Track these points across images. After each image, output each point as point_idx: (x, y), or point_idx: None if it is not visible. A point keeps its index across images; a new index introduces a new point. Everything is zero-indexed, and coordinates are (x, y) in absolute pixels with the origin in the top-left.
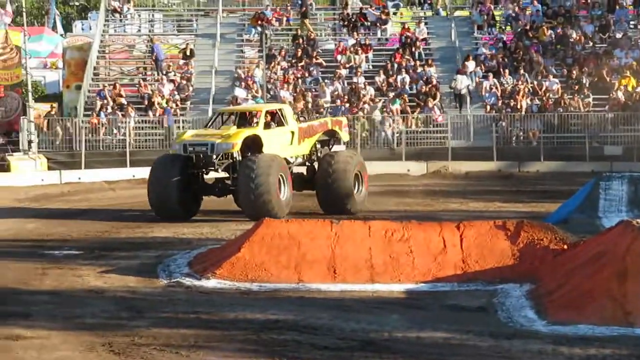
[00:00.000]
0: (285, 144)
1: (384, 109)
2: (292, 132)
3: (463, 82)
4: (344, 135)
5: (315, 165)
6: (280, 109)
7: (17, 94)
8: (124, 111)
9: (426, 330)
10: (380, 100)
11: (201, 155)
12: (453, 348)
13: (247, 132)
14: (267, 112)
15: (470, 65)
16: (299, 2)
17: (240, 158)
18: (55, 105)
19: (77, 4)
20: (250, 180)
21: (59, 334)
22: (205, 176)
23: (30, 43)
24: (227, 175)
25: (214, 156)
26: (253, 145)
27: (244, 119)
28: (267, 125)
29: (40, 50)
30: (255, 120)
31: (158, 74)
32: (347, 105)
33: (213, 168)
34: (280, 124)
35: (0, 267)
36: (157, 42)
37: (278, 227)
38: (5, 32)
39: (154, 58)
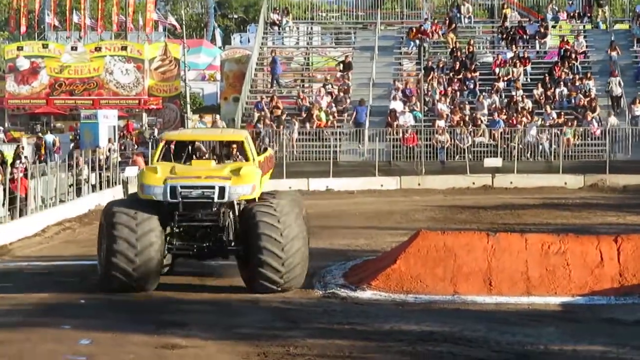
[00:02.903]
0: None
1: (543, 122)
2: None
3: (617, 85)
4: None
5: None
6: (246, 138)
7: (176, 106)
8: (287, 123)
9: (582, 343)
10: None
11: (200, 203)
12: None
13: (253, 168)
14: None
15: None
16: (452, 15)
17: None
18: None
19: (235, 16)
20: (276, 239)
21: (214, 343)
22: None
23: (189, 55)
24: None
25: (218, 204)
26: None
27: (196, 150)
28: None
29: (199, 63)
30: (223, 151)
31: (273, 86)
32: (505, 117)
33: (215, 221)
34: (245, 158)
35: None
36: (277, 56)
37: (434, 239)
38: (165, 45)
39: (270, 72)
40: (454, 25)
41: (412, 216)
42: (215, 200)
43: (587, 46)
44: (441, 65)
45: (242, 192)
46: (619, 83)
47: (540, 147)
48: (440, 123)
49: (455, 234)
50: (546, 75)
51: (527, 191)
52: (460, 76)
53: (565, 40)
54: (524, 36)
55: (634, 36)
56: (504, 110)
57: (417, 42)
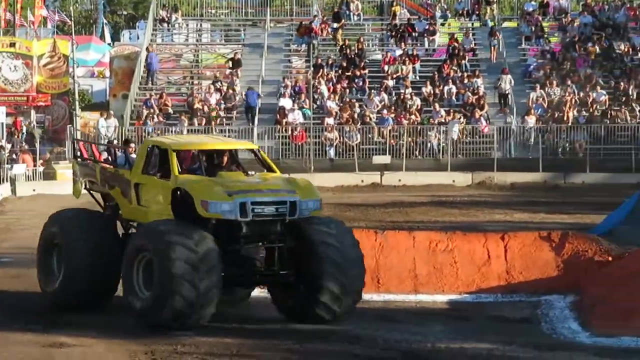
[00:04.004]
0: None
1: (430, 120)
2: None
3: (507, 82)
4: None
5: None
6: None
7: (64, 103)
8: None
9: (469, 341)
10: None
11: (268, 222)
12: (496, 359)
13: (306, 179)
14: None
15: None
16: (341, 12)
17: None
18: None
19: (125, 13)
20: (338, 264)
21: (102, 342)
22: None
23: (78, 52)
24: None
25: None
26: None
27: (212, 159)
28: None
29: (88, 59)
30: (226, 161)
31: (151, 84)
32: (394, 115)
33: (283, 242)
34: (266, 167)
35: None
36: (152, 52)
37: None
38: (54, 41)
39: (146, 67)
40: (342, 22)
41: None
42: (287, 217)
43: (475, 44)
44: (330, 63)
45: (312, 207)
46: (509, 81)
47: (429, 144)
48: (329, 120)
49: None
50: (435, 73)
51: (416, 189)
52: (350, 74)
53: (454, 38)
54: (413, 34)
55: (522, 34)
56: (393, 108)
57: (307, 39)
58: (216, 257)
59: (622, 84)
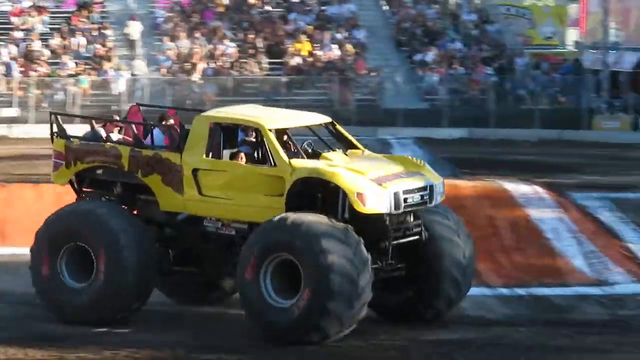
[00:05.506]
0: None
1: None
2: None
3: (136, 28)
4: None
5: None
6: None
7: None
8: None
9: None
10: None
11: (408, 212)
12: None
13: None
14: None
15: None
16: None
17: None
18: None
19: None
20: (459, 262)
21: None
22: None
23: None
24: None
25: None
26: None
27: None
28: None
29: None
30: (291, 142)
31: None
32: (22, 67)
33: (420, 234)
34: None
35: None
36: None
37: None
38: None
39: None
40: None
41: None
42: (428, 205)
43: None
44: None
45: (443, 191)
46: (137, 29)
47: (56, 96)
48: None
49: None
50: (64, 25)
51: (44, 141)
52: None
53: None
54: None
55: None
56: (21, 60)
57: None
58: (369, 264)
59: (250, 36)
